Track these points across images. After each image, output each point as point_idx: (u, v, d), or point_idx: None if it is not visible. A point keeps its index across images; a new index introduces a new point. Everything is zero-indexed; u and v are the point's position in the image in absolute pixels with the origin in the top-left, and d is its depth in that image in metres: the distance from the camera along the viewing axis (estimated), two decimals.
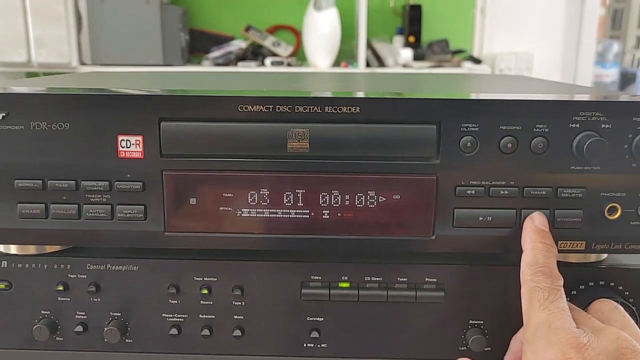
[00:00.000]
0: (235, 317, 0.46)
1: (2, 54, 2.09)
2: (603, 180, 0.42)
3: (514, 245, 0.42)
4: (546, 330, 0.36)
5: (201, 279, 0.46)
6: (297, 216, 0.43)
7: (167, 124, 0.41)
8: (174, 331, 0.46)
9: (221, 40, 2.37)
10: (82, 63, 2.18)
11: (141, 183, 0.42)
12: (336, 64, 2.28)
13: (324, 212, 0.43)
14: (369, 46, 2.31)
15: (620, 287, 0.45)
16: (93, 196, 0.42)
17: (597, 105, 0.40)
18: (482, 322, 0.46)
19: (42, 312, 0.46)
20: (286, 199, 0.42)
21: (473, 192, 0.42)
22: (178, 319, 0.46)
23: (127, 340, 0.47)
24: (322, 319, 0.46)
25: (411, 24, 2.34)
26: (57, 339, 0.46)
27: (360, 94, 0.44)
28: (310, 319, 0.46)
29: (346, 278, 0.46)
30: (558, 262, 0.41)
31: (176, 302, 0.46)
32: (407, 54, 2.25)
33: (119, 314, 0.46)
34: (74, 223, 0.43)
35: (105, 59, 2.17)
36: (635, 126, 0.40)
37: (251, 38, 2.36)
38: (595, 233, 0.43)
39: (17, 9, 2.06)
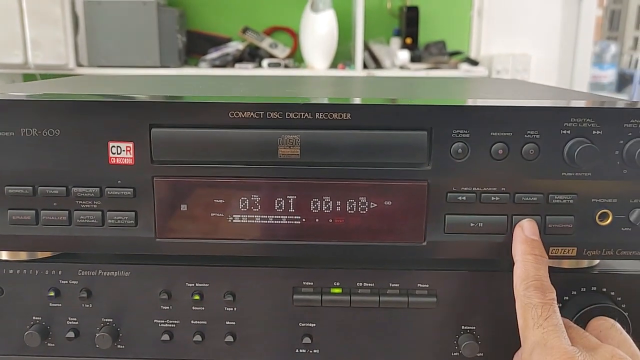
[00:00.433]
0: (227, 322, 0.46)
1: None
2: (594, 186, 0.42)
3: (505, 251, 0.42)
4: (542, 350, 0.37)
5: (193, 284, 0.46)
6: (288, 222, 0.43)
7: (157, 130, 0.41)
8: (165, 337, 0.46)
9: (218, 41, 2.37)
10: (79, 65, 2.18)
11: (132, 189, 0.42)
12: (333, 65, 2.28)
13: (315, 218, 0.42)
14: (366, 48, 2.31)
15: (612, 293, 0.45)
16: (84, 202, 0.42)
17: (589, 112, 0.40)
18: (474, 327, 0.46)
19: (34, 318, 0.46)
20: (277, 205, 0.42)
21: (464, 198, 0.42)
22: (170, 325, 0.46)
23: (118, 346, 0.47)
24: (314, 324, 0.46)
25: (408, 26, 2.34)
26: (49, 345, 0.46)
27: (352, 101, 0.44)
28: (303, 324, 0.46)
29: (338, 284, 0.46)
30: (550, 267, 0.41)
31: (168, 308, 0.46)
32: (404, 55, 2.25)
33: (111, 320, 0.46)
34: (65, 229, 0.43)
35: (102, 61, 2.16)
36: (626, 132, 0.40)
37: (248, 40, 2.35)
38: (586, 239, 0.43)
39: (13, 11, 2.05)
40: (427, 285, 0.46)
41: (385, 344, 0.46)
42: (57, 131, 0.41)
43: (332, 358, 0.47)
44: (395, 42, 2.37)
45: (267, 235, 0.43)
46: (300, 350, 0.47)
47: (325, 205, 0.42)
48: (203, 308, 0.46)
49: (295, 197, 0.42)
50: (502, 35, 2.46)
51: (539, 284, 0.39)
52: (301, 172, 0.42)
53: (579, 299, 0.45)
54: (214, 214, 0.43)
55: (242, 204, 0.42)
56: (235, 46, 2.32)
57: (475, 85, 0.72)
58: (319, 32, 2.18)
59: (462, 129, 0.41)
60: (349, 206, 0.42)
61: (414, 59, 2.28)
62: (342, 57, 2.33)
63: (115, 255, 0.46)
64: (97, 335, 0.46)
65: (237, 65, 2.27)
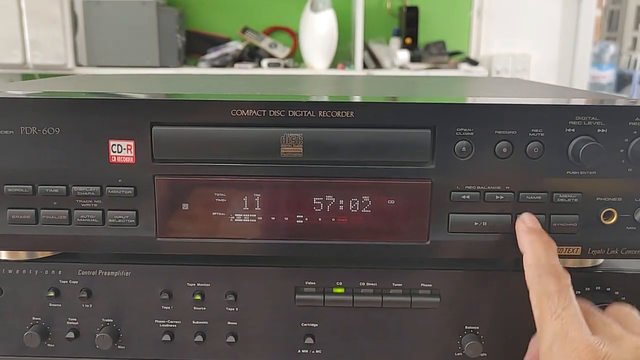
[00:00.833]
0: (228, 323, 0.46)
1: None
2: (599, 185, 0.41)
3: (509, 250, 0.42)
4: (562, 342, 0.35)
5: (194, 284, 0.45)
6: (290, 221, 0.42)
7: (158, 129, 0.41)
8: (166, 337, 0.46)
9: (218, 41, 2.36)
10: (78, 65, 2.17)
11: (133, 188, 0.42)
12: (333, 65, 2.28)
13: (317, 217, 0.42)
14: (366, 48, 2.30)
15: (617, 292, 0.45)
16: (84, 201, 0.42)
17: (593, 110, 0.40)
18: (477, 327, 0.46)
19: (33, 318, 0.46)
20: (280, 204, 0.42)
21: (468, 197, 0.41)
22: (171, 325, 0.46)
23: (119, 347, 0.46)
24: (317, 324, 0.46)
25: (408, 26, 2.34)
26: (49, 345, 0.46)
27: (354, 99, 0.43)
28: (305, 324, 0.46)
29: (341, 283, 0.45)
30: None
31: (169, 308, 0.46)
32: (403, 55, 2.25)
33: (111, 320, 0.46)
34: (65, 228, 0.42)
35: (102, 61, 2.16)
36: (631, 130, 0.40)
37: (248, 39, 2.35)
38: (591, 238, 0.42)
39: (12, 11, 2.05)
40: (431, 285, 0.45)
41: (388, 344, 0.46)
42: (57, 129, 0.41)
43: (334, 358, 0.46)
44: (395, 42, 2.37)
45: (269, 235, 0.43)
46: (303, 351, 0.46)
47: (328, 204, 0.42)
48: (204, 308, 0.45)
49: (297, 196, 0.42)
50: (502, 35, 2.46)
51: (552, 269, 0.38)
52: (304, 171, 0.41)
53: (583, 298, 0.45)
54: (215, 213, 0.42)
55: (244, 203, 0.42)
56: (234, 46, 2.31)
57: (476, 84, 0.72)
58: (318, 32, 2.17)
59: (466, 128, 0.40)
60: (352, 205, 0.42)
61: (414, 59, 2.28)
62: (342, 57, 2.33)
63: (116, 254, 0.46)
64: (97, 335, 0.45)
65: (236, 65, 2.26)
